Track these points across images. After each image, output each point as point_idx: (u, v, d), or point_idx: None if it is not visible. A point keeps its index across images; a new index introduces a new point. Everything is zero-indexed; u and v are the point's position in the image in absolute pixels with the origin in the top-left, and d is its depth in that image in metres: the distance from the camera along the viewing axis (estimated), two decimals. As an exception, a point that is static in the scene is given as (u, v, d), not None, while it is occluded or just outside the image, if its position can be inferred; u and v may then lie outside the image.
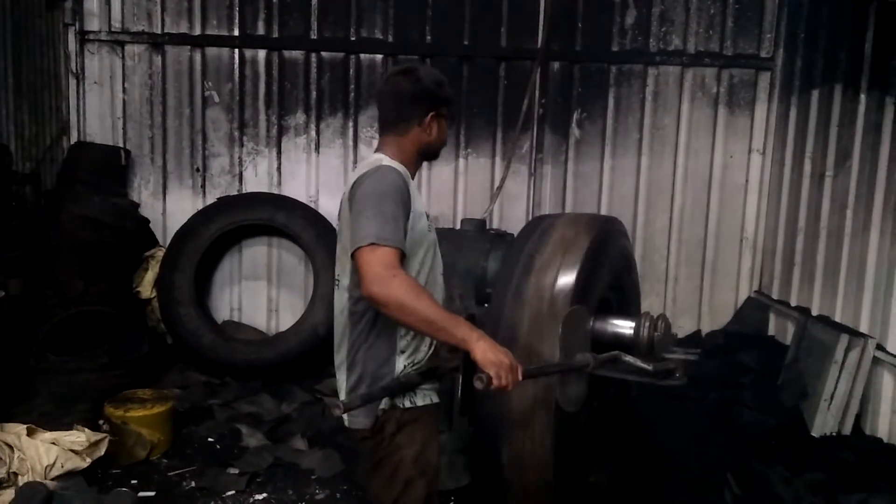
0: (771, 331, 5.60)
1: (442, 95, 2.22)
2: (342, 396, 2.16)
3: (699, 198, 5.99)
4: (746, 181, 5.97)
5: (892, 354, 4.18)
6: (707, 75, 5.90)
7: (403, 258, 1.97)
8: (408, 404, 2.10)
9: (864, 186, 4.55)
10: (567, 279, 2.68)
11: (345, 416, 2.12)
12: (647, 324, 2.75)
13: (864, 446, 4.10)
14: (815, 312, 4.96)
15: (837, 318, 4.70)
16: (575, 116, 5.94)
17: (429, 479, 2.14)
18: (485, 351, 1.89)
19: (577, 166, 5.97)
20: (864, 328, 4.43)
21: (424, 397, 2.15)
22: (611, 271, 2.97)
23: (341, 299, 2.16)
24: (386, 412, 2.09)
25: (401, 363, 2.10)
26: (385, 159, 2.15)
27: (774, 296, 5.64)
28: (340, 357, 2.17)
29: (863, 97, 4.56)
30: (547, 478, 2.60)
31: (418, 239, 2.09)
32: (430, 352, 2.15)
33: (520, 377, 1.94)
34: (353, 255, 1.97)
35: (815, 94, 5.18)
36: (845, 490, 3.57)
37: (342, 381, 2.17)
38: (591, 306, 2.73)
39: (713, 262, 6.03)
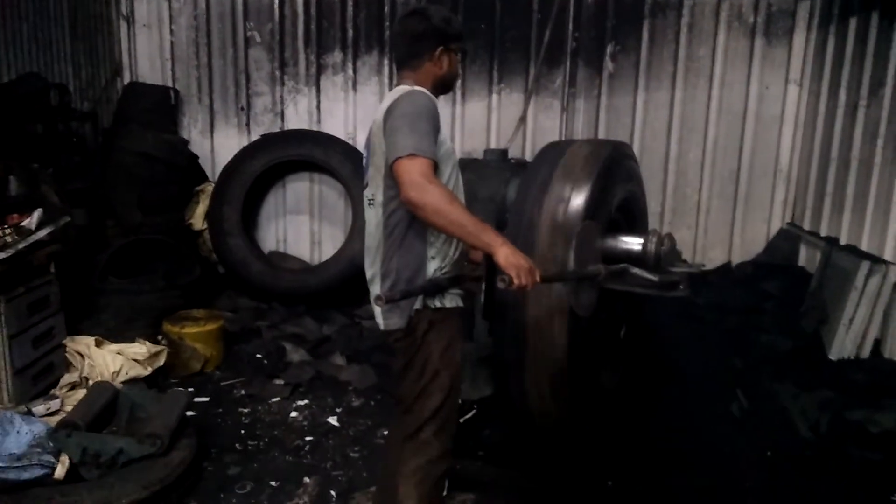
0: (801, 261, 5.65)
1: (450, 31, 2.39)
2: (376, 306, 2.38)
3: (733, 130, 5.97)
4: (782, 113, 5.92)
5: (913, 281, 4.25)
6: (744, 4, 5.81)
7: (436, 170, 2.18)
8: (437, 304, 2.33)
9: (894, 116, 4.52)
10: (579, 196, 2.86)
11: (381, 320, 2.36)
12: (655, 239, 2.92)
13: (878, 368, 4.19)
14: (843, 242, 5.01)
15: (864, 247, 4.74)
16: (608, 49, 5.95)
17: (452, 372, 2.38)
18: (507, 255, 2.09)
19: (609, 100, 6.01)
20: (888, 256, 4.47)
21: (452, 300, 2.37)
22: (620, 192, 3.14)
23: (375, 215, 2.35)
24: (419, 312, 2.31)
25: (431, 268, 2.31)
26: (416, 87, 2.34)
27: (806, 227, 5.66)
28: (374, 269, 2.38)
29: (897, 23, 4.50)
30: (561, 375, 2.84)
31: (444, 157, 2.29)
32: (456, 257, 2.37)
33: (538, 279, 2.15)
34: (391, 166, 2.16)
35: (853, 22, 5.09)
36: (852, 407, 3.71)
37: (376, 290, 2.37)
38: (602, 223, 2.91)
39: (746, 194, 6.05)
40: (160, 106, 5.77)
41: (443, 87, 2.46)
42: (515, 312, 2.84)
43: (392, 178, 2.20)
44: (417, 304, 2.31)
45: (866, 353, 4.41)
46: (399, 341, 2.38)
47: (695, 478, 3.27)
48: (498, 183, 3.86)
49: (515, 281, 2.08)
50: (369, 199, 2.39)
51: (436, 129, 2.23)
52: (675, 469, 3.33)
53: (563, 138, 6.00)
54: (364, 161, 2.47)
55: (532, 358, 2.92)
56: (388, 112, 2.25)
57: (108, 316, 4.31)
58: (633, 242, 2.99)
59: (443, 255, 2.32)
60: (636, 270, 2.76)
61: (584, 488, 3.19)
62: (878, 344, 4.45)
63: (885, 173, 4.60)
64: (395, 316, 2.32)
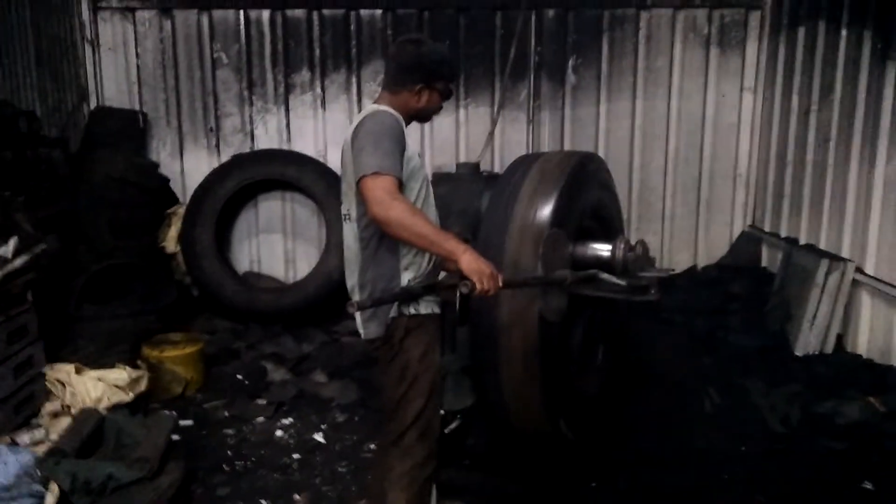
0: (764, 262, 5.88)
1: (438, 72, 2.49)
2: (357, 315, 2.46)
3: (693, 138, 6.20)
4: (739, 119, 6.17)
5: (870, 276, 4.45)
6: (698, 16, 6.06)
7: (401, 186, 2.28)
8: (412, 311, 2.42)
9: (844, 119, 4.76)
10: (547, 205, 2.98)
11: (361, 330, 2.47)
12: (623, 245, 3.05)
13: (842, 362, 4.39)
14: (802, 242, 5.22)
15: (822, 246, 4.96)
16: (570, 62, 6.13)
17: (431, 377, 2.47)
18: (469, 261, 2.21)
19: (573, 111, 6.18)
20: (845, 253, 4.70)
21: (427, 306, 2.47)
22: (589, 201, 3.26)
23: (352, 229, 2.46)
24: (395, 319, 2.41)
25: (405, 279, 2.41)
26: (382, 107, 2.45)
27: (767, 228, 5.89)
28: (353, 281, 2.49)
29: (843, 32, 4.74)
30: (532, 379, 2.94)
31: (412, 174, 2.40)
32: (429, 269, 2.47)
33: (500, 284, 2.26)
34: (357, 185, 2.27)
35: (801, 31, 5.35)
36: (819, 400, 3.89)
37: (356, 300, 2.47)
38: (570, 231, 3.02)
39: (708, 199, 6.28)
40: (129, 129, 5.75)
41: (417, 117, 2.57)
42: (487, 316, 2.94)
43: (360, 195, 2.30)
44: (393, 312, 2.41)
45: (830, 348, 4.61)
46: (378, 349, 2.48)
47: (674, 475, 3.39)
48: (471, 196, 3.97)
49: (478, 286, 2.19)
50: (345, 215, 2.50)
51: (401, 147, 2.33)
52: (655, 467, 3.44)
53: (531, 150, 6.16)
54: (342, 175, 2.56)
55: (503, 361, 3.01)
56: (356, 131, 2.36)
57: (85, 342, 4.28)
58: (603, 249, 3.11)
59: (416, 267, 2.43)
60: (605, 276, 2.88)
61: (569, 490, 3.28)
62: (840, 339, 4.64)
63: (838, 174, 4.82)
64: (374, 325, 2.43)
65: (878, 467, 3.37)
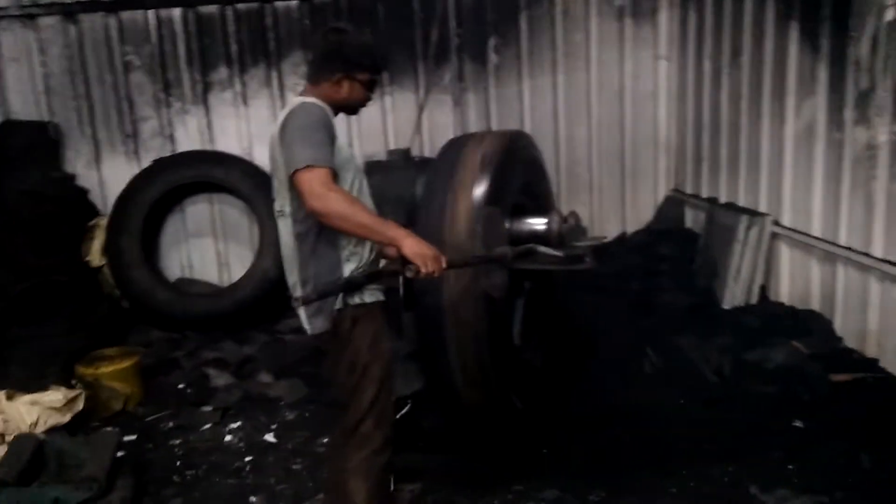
0: (688, 223, 6.09)
1: (360, 62, 2.44)
2: (301, 311, 2.44)
3: (613, 108, 6.33)
4: (655, 87, 6.34)
5: (787, 228, 4.67)
6: (611, -11, 6.18)
7: (335, 178, 2.26)
8: (357, 301, 2.42)
9: (754, 79, 4.95)
10: (481, 185, 3.02)
11: (307, 325, 2.45)
12: (557, 218, 3.13)
13: (767, 311, 4.61)
14: (722, 201, 5.44)
15: (741, 203, 5.17)
16: (491, 42, 6.17)
17: (382, 364, 2.48)
18: (411, 245, 2.23)
19: (497, 91, 6.23)
20: (762, 208, 4.91)
21: (371, 295, 2.47)
22: (521, 178, 3.32)
23: (287, 226, 2.43)
24: (341, 311, 2.40)
25: (347, 270, 2.40)
26: (308, 99, 2.41)
27: (688, 191, 6.10)
28: (294, 278, 2.46)
29: (747, -4, 4.92)
30: (481, 355, 2.99)
31: (344, 164, 2.38)
32: (371, 258, 2.47)
33: (444, 266, 2.28)
34: (291, 179, 2.24)
35: (708, -3, 5.52)
36: (748, 348, 4.09)
37: (298, 295, 2.44)
38: (505, 208, 3.08)
39: (632, 167, 6.44)
40: (40, 142, 5.51)
41: (342, 108, 2.52)
42: (432, 298, 2.97)
43: (295, 190, 2.27)
44: (338, 304, 2.40)
45: (755, 299, 4.82)
46: (327, 343, 2.47)
47: (620, 433, 3.52)
48: (405, 182, 3.98)
49: (422, 269, 2.22)
50: (279, 211, 2.46)
51: (331, 137, 2.31)
52: (603, 428, 3.56)
53: (459, 132, 6.18)
54: (272, 171, 2.52)
55: (451, 340, 3.04)
56: (283, 126, 2.32)
57: (16, 367, 4.12)
58: (538, 223, 3.19)
59: (358, 257, 2.43)
60: (542, 249, 2.95)
61: (522, 460, 3.36)
62: (763, 289, 4.87)
63: (752, 133, 5.03)
64: (320, 319, 2.42)
65: (805, 405, 3.58)
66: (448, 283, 2.92)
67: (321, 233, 2.36)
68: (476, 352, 2.97)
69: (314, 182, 2.18)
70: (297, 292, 2.45)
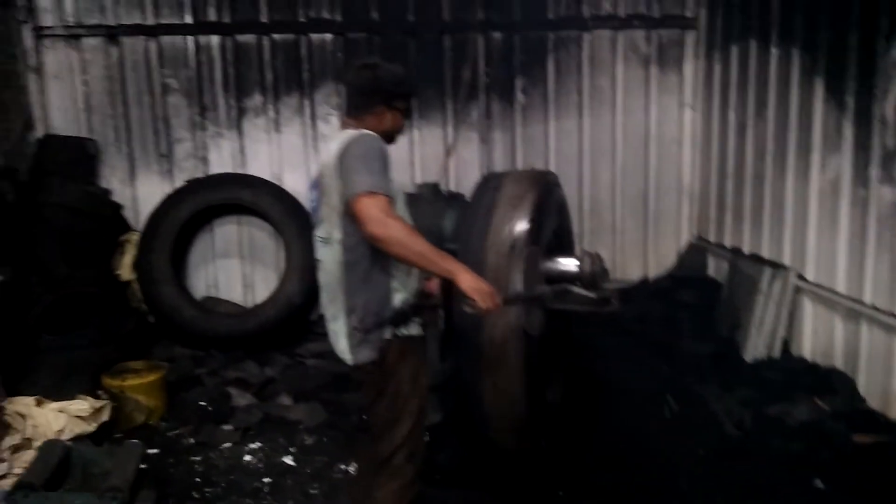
0: (710, 271, 6.13)
1: (397, 92, 2.56)
2: (342, 341, 2.46)
3: (638, 153, 6.44)
4: (680, 134, 6.45)
5: (810, 283, 4.68)
6: (637, 37, 6.32)
7: (393, 206, 2.32)
8: (405, 333, 2.45)
9: (780, 132, 5.03)
10: (523, 224, 3.08)
11: (349, 356, 2.46)
12: (589, 260, 3.19)
13: (789, 366, 4.59)
14: (745, 251, 5.48)
15: (764, 255, 5.21)
16: (519, 83, 6.32)
17: (420, 398, 2.52)
18: (469, 280, 2.28)
19: (524, 130, 6.36)
20: (786, 261, 4.94)
21: (416, 328, 2.51)
22: (555, 218, 3.40)
23: (334, 253, 2.43)
24: (389, 342, 2.43)
25: (396, 299, 2.44)
26: (364, 131, 2.47)
27: (711, 239, 6.15)
28: (336, 307, 2.45)
29: (773, 50, 5.03)
30: (519, 393, 3.03)
31: (394, 195, 2.44)
32: (417, 288, 2.52)
33: (499, 302, 2.33)
34: (347, 204, 2.28)
35: (734, 49, 5.64)
36: (770, 402, 4.08)
37: (340, 327, 2.46)
38: (543, 247, 3.15)
39: (655, 212, 6.52)
40: (79, 157, 5.65)
41: (384, 138, 2.58)
42: (474, 337, 3.01)
43: (350, 216, 2.32)
44: (387, 335, 2.42)
45: (777, 352, 4.79)
46: (370, 374, 2.47)
47: (637, 479, 3.52)
48: (433, 215, 4.07)
49: (481, 305, 2.26)
50: (323, 238, 2.48)
51: (388, 167, 2.38)
52: (619, 472, 3.57)
53: (485, 168, 6.30)
54: (312, 203, 2.59)
55: (491, 378, 3.08)
56: (342, 154, 2.37)
57: (44, 375, 4.19)
58: (570, 263, 3.25)
59: (406, 287, 2.46)
60: (576, 290, 3.01)
61: (537, 499, 3.37)
62: (786, 343, 4.84)
63: (776, 186, 5.08)
64: (366, 349, 2.43)
65: (826, 465, 3.52)
66: (490, 320, 2.92)
67: (374, 261, 2.38)
68: (514, 390, 3.00)
69: (375, 208, 2.22)
70: (339, 322, 2.45)
